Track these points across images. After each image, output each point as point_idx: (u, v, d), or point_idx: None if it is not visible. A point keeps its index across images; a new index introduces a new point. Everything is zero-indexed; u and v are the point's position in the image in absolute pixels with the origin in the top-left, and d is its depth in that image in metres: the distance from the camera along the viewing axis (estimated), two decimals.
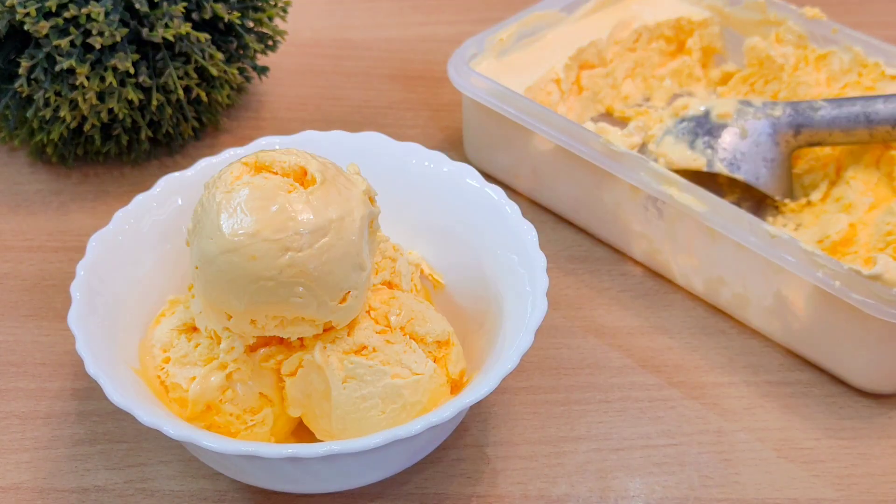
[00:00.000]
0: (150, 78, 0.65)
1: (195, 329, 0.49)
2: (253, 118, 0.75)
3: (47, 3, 0.62)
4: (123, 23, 0.64)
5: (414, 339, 0.48)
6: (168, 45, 0.66)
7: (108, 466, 0.51)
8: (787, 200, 0.63)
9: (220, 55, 0.67)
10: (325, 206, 0.44)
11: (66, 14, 0.62)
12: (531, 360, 0.56)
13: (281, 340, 0.48)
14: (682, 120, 0.64)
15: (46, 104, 0.65)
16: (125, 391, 0.45)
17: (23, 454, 0.52)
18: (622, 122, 0.72)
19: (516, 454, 0.52)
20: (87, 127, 0.66)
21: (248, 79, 0.74)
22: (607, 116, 0.73)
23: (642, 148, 0.65)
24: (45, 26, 0.62)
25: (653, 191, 0.58)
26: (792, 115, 0.62)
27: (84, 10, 0.62)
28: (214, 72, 0.67)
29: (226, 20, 0.68)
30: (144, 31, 0.64)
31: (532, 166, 0.66)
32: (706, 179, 0.63)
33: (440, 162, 0.56)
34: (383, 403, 0.46)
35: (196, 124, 0.70)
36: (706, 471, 0.51)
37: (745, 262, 0.56)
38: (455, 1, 0.88)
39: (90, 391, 0.55)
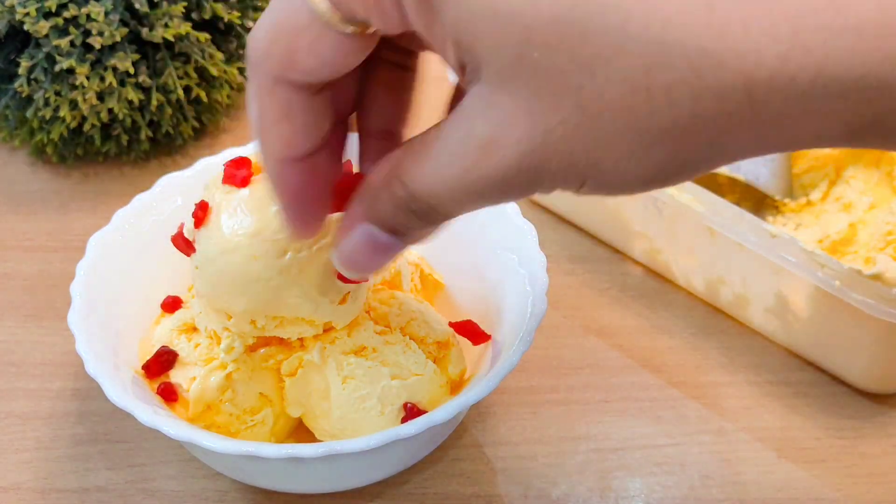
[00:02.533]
0: (150, 78, 0.65)
1: (195, 329, 0.49)
2: None
3: (47, 3, 0.62)
4: (123, 23, 0.64)
5: (414, 340, 0.48)
6: (168, 44, 0.66)
7: (109, 466, 0.51)
8: (786, 200, 0.63)
9: (220, 55, 0.67)
10: None
11: (66, 14, 0.62)
12: (531, 360, 0.56)
13: (281, 340, 0.48)
14: None
15: (46, 104, 0.65)
16: (125, 391, 0.45)
17: (23, 454, 0.52)
18: None
19: (516, 454, 0.52)
20: (86, 127, 0.66)
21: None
22: None
23: None
24: (44, 26, 0.62)
25: None
26: None
27: (84, 10, 0.62)
28: (214, 72, 0.67)
29: (226, 20, 0.68)
30: (144, 31, 0.64)
31: None
32: (706, 179, 0.62)
33: None
34: (382, 404, 0.46)
35: (196, 124, 0.70)
36: (707, 471, 0.51)
37: (746, 262, 0.56)
38: None
39: (90, 391, 0.54)
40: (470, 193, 0.32)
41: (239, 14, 0.68)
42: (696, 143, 0.29)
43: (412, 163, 0.33)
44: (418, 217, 0.33)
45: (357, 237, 0.35)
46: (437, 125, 0.32)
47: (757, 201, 0.63)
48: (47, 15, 0.62)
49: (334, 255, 0.36)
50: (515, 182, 0.31)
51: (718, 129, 0.29)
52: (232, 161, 0.45)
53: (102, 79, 0.64)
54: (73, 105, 0.64)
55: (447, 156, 0.31)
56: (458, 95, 0.34)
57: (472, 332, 0.50)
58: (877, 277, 0.50)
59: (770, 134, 0.29)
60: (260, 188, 0.44)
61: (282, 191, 0.36)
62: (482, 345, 0.50)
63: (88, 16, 0.62)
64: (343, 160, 0.38)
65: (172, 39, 0.64)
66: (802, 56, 0.27)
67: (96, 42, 0.62)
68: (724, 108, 0.28)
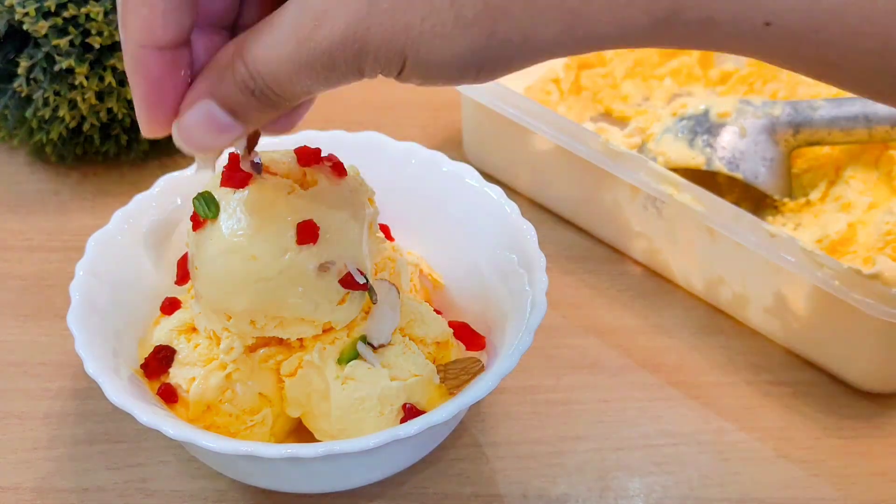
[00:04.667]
0: None
1: (194, 330, 0.49)
2: None
3: (46, 3, 0.62)
4: None
5: (413, 340, 0.48)
6: None
7: (108, 466, 0.51)
8: (786, 200, 0.63)
9: None
10: (325, 207, 0.44)
11: (65, 13, 0.62)
12: (531, 360, 0.56)
13: (280, 341, 0.48)
14: (682, 118, 0.64)
15: (45, 104, 0.65)
16: (125, 391, 0.45)
17: (23, 454, 0.52)
18: (622, 122, 0.72)
19: (515, 454, 0.52)
20: (86, 127, 0.66)
21: None
22: (607, 116, 0.73)
23: (641, 147, 0.65)
24: (44, 26, 0.62)
25: (652, 190, 0.58)
26: (791, 115, 0.62)
27: (83, 10, 0.62)
28: None
29: None
30: None
31: (532, 166, 0.66)
32: (705, 179, 0.63)
33: (440, 162, 0.56)
34: (382, 405, 0.46)
35: None
36: (706, 470, 0.51)
37: (745, 262, 0.56)
38: None
39: (90, 391, 0.54)
40: (302, 66, 0.33)
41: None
42: (508, 29, 0.32)
43: (254, 41, 0.34)
44: (255, 97, 0.34)
45: (196, 113, 0.36)
46: (279, 8, 0.34)
47: (756, 201, 0.64)
48: (46, 15, 0.62)
49: (174, 127, 0.36)
50: (341, 56, 0.33)
51: (530, 17, 0.31)
52: (230, 163, 0.45)
53: (102, 78, 0.64)
54: (73, 105, 0.64)
55: (283, 31, 0.33)
56: None
57: (467, 336, 0.50)
58: (876, 277, 0.50)
59: (577, 25, 0.31)
60: (258, 189, 0.44)
61: (138, 79, 0.36)
62: (482, 343, 0.50)
63: (88, 15, 0.62)
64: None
65: None
66: None
67: (95, 42, 0.62)
68: None
